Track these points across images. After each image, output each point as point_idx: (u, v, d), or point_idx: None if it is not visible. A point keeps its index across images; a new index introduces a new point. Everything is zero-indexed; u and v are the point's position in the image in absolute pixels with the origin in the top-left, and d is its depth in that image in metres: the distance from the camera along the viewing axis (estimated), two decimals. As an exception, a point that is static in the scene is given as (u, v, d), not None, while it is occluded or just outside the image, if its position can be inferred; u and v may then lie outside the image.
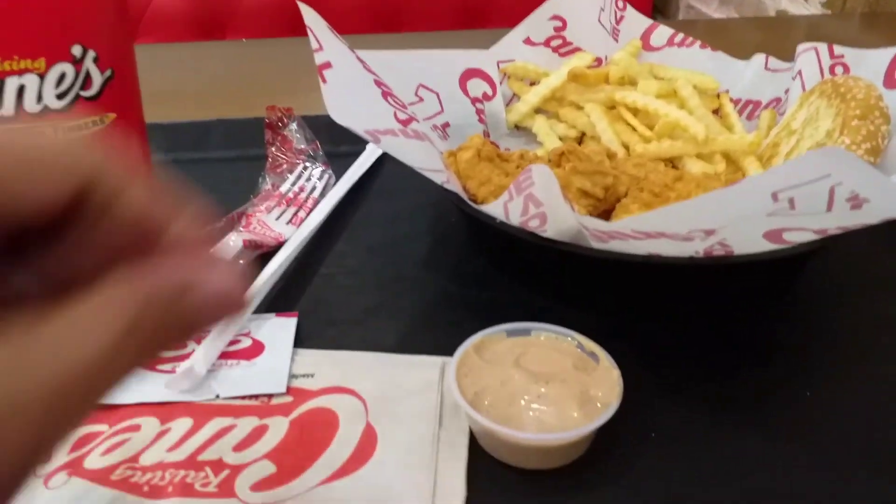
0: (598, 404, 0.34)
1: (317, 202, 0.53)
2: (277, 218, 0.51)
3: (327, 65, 0.42)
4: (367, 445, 0.34)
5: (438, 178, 0.43)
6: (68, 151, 0.16)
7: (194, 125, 0.63)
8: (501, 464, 0.34)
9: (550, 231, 0.39)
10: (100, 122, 0.43)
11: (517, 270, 0.45)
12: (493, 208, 0.38)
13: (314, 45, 0.42)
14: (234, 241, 0.46)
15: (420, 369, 0.38)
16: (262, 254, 0.47)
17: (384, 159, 0.61)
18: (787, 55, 0.57)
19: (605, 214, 0.44)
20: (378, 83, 0.44)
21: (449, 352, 0.39)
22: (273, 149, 0.57)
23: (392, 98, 0.44)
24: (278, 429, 0.35)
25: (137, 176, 0.17)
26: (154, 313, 0.16)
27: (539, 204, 0.37)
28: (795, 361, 0.40)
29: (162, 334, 0.16)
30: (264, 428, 0.35)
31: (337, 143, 0.60)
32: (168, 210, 0.18)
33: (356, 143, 0.61)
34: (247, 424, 0.35)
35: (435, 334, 0.42)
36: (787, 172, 0.30)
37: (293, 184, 0.54)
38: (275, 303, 0.44)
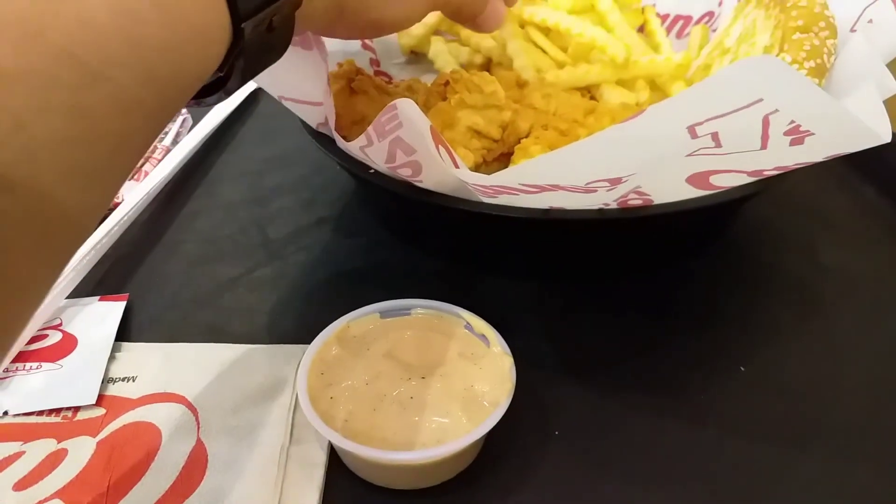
0: (486, 403, 0.27)
1: (167, 151, 0.44)
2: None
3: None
4: (194, 470, 0.26)
5: (314, 118, 0.35)
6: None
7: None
8: (368, 484, 0.27)
9: (427, 182, 0.31)
10: None
11: (405, 230, 0.38)
12: (352, 149, 0.30)
13: None
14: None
15: (273, 363, 0.31)
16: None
17: (259, 95, 0.51)
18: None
19: (504, 158, 0.36)
20: None
21: (315, 336, 0.32)
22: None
23: None
24: (80, 453, 0.27)
25: None
26: None
27: (410, 151, 0.29)
28: (728, 330, 0.34)
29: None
30: (62, 453, 0.27)
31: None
32: None
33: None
34: (39, 451, 0.27)
35: (301, 313, 0.34)
36: (704, 96, 0.22)
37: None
38: (102, 282, 0.36)
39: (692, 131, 0.24)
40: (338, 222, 0.40)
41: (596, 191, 0.27)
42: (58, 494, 0.25)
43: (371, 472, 0.27)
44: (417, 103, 0.37)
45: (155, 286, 0.36)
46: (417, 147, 0.29)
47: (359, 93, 0.36)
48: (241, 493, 0.26)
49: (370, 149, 0.29)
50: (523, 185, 0.27)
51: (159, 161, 0.43)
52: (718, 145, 0.25)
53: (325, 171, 0.44)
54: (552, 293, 0.35)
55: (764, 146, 0.25)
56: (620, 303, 0.35)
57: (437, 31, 0.48)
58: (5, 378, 0.30)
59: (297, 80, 0.33)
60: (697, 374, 0.31)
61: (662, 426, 0.29)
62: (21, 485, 0.26)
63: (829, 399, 0.30)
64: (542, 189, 0.28)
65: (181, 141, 0.44)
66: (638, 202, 0.31)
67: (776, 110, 0.23)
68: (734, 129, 0.23)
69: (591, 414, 0.30)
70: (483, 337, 0.29)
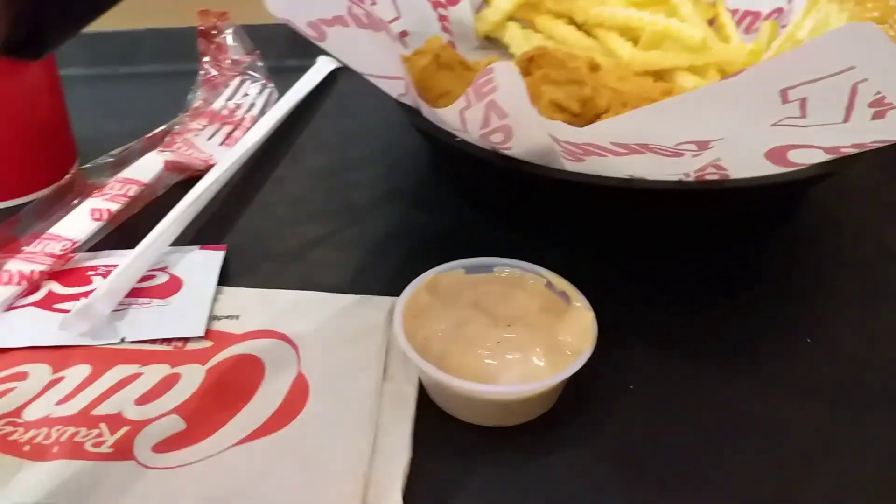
0: (568, 352, 0.29)
1: (255, 120, 0.47)
2: (209, 138, 0.45)
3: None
4: (296, 399, 0.29)
5: (394, 90, 0.37)
6: None
7: (121, 35, 0.55)
8: (454, 420, 0.29)
9: (516, 149, 0.33)
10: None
11: (481, 198, 0.40)
12: (447, 114, 0.32)
13: None
14: (153, 163, 0.40)
15: (364, 311, 0.33)
16: (189, 178, 0.41)
17: (338, 74, 0.54)
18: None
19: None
20: None
21: (400, 291, 0.34)
22: (206, 60, 0.49)
23: None
24: (192, 378, 0.29)
25: None
26: None
27: (503, 114, 0.31)
28: (793, 303, 0.35)
29: None
30: (175, 377, 0.29)
31: (282, 57, 0.53)
32: None
33: (304, 57, 0.54)
34: (154, 373, 0.30)
35: (385, 271, 0.37)
36: (801, 59, 0.24)
37: (228, 99, 0.47)
38: (200, 234, 0.38)
39: (784, 95, 0.25)
40: (414, 192, 0.43)
41: (683, 154, 0.29)
42: (174, 411, 0.28)
43: (459, 406, 0.28)
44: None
45: (249, 240, 0.38)
46: (510, 110, 0.31)
47: (445, 68, 0.39)
48: (339, 421, 0.28)
49: (468, 111, 0.31)
50: (614, 143, 0.29)
51: (248, 129, 0.45)
52: (803, 115, 0.26)
53: (401, 145, 0.46)
54: (625, 265, 0.37)
55: (847, 118, 0.27)
56: (691, 277, 0.36)
57: (511, 18, 0.50)
58: (120, 310, 0.32)
59: (376, 57, 0.36)
60: (765, 343, 0.33)
61: (734, 388, 0.31)
62: (141, 400, 0.28)
63: (894, 370, 0.31)
64: (630, 150, 0.29)
65: (267, 112, 0.47)
66: (714, 176, 0.32)
67: (865, 79, 0.24)
68: (823, 96, 0.25)
69: (664, 373, 0.31)
70: (563, 294, 0.31)
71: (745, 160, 0.31)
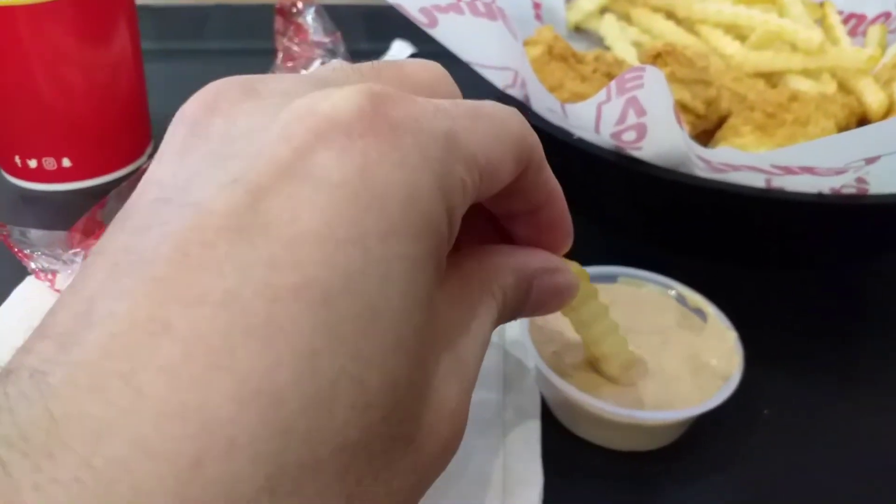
0: (714, 374, 0.26)
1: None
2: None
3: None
4: (415, 411, 0.27)
5: (501, 80, 0.35)
6: (520, 130, 0.16)
7: (191, 9, 0.53)
8: (581, 442, 0.27)
9: (647, 150, 0.31)
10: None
11: (594, 202, 0.37)
12: (583, 109, 0.30)
13: None
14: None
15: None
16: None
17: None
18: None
19: (706, 136, 0.35)
20: None
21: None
22: (285, 40, 0.47)
23: None
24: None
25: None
26: (513, 301, 0.17)
27: (641, 112, 0.29)
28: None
29: (507, 317, 0.17)
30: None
31: (360, 39, 0.51)
32: (553, 190, 0.18)
33: (381, 40, 0.52)
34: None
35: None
36: None
37: (310, 83, 0.45)
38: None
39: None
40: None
41: (846, 171, 0.27)
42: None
43: (592, 428, 0.27)
44: (607, 73, 0.37)
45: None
46: (650, 109, 0.29)
47: (558, 59, 0.36)
48: (465, 435, 0.26)
49: (607, 105, 0.29)
50: (775, 165, 0.27)
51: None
52: None
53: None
54: (749, 277, 0.35)
55: None
56: (821, 292, 0.34)
57: (605, 9, 0.48)
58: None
59: (486, 47, 0.34)
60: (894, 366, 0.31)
61: (875, 417, 0.29)
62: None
63: None
64: (788, 171, 0.27)
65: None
66: (852, 190, 0.30)
67: None
68: None
69: (799, 398, 0.29)
70: (699, 311, 0.29)
71: (890, 174, 0.29)
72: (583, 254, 0.34)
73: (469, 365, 0.15)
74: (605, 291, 0.29)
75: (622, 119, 0.29)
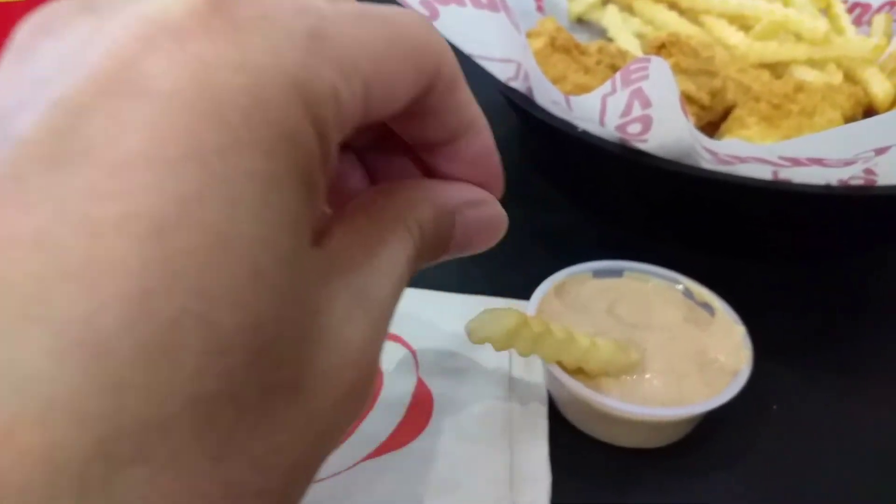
0: (722, 370, 0.26)
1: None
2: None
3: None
4: (420, 410, 0.26)
5: (503, 73, 0.34)
6: (422, 36, 0.14)
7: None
8: (589, 439, 0.27)
9: (652, 142, 0.30)
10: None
11: (599, 194, 0.37)
12: (588, 101, 0.30)
13: None
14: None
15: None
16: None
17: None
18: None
19: (711, 127, 0.35)
20: None
21: (508, 292, 0.32)
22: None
23: None
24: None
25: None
26: (432, 237, 0.15)
27: (647, 104, 0.29)
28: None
29: (428, 255, 0.16)
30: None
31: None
32: (474, 118, 0.16)
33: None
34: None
35: (491, 269, 0.34)
36: None
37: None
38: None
39: None
40: (510, 184, 0.40)
41: (855, 163, 0.27)
42: (293, 418, 0.26)
43: (600, 425, 0.26)
44: (611, 65, 0.36)
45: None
46: (655, 101, 0.28)
47: (560, 51, 0.36)
48: (470, 436, 0.26)
49: (612, 97, 0.29)
50: (784, 157, 0.27)
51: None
52: None
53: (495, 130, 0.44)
54: (755, 270, 0.34)
55: None
56: (826, 284, 0.34)
57: (607, 0, 0.47)
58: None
59: (488, 39, 0.33)
60: (912, 363, 0.30)
61: (875, 407, 0.28)
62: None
63: None
64: (795, 162, 0.27)
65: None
66: (860, 181, 0.30)
67: None
68: None
69: (808, 391, 0.29)
70: (706, 305, 0.28)
71: None
72: (588, 247, 0.34)
73: (378, 301, 0.13)
74: (611, 286, 0.29)
75: (627, 111, 0.29)
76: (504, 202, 0.42)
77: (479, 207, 0.16)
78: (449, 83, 0.14)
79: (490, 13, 0.33)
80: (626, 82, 0.28)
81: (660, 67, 0.27)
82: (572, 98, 0.30)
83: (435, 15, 0.34)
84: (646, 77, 0.27)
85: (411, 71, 0.13)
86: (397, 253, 0.14)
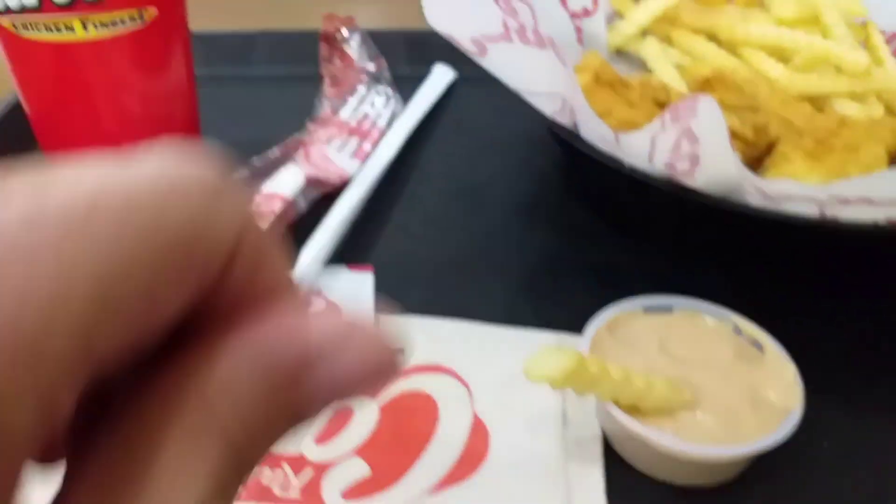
0: (775, 409, 0.27)
1: (382, 132, 0.45)
2: (339, 150, 0.43)
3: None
4: (477, 443, 0.27)
5: (549, 106, 0.35)
6: (196, 216, 0.09)
7: (237, 36, 0.54)
8: (643, 476, 0.27)
9: (699, 178, 0.31)
10: (138, 19, 0.35)
11: (639, 227, 0.38)
12: (637, 139, 0.31)
13: None
14: (294, 176, 0.39)
15: (533, 347, 0.31)
16: (326, 193, 0.40)
17: (456, 85, 0.52)
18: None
19: (755, 162, 0.36)
20: None
21: (555, 325, 0.33)
22: (331, 66, 0.48)
23: (506, 3, 0.35)
24: (367, 416, 0.28)
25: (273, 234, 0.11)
26: (262, 419, 0.10)
27: (694, 140, 0.29)
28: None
29: (266, 442, 0.10)
30: (348, 413, 0.28)
31: (402, 63, 0.52)
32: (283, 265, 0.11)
33: (421, 64, 0.52)
34: (327, 409, 0.28)
35: (539, 302, 0.35)
36: None
37: (355, 110, 0.46)
38: (344, 253, 0.37)
39: None
40: (554, 215, 0.41)
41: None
42: (357, 453, 0.27)
43: (654, 462, 0.27)
44: (654, 99, 0.37)
45: (391, 262, 0.37)
46: (703, 139, 0.29)
47: (605, 85, 0.37)
48: (528, 470, 0.26)
49: (661, 135, 0.29)
50: (834, 195, 0.27)
51: (376, 141, 0.44)
52: None
53: (533, 162, 0.45)
54: (802, 306, 0.35)
55: None
56: (872, 322, 0.34)
57: (646, 32, 0.48)
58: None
59: (534, 74, 0.34)
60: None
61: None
62: (321, 439, 0.27)
63: None
64: (844, 201, 0.28)
65: (394, 123, 0.46)
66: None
67: None
68: None
69: (859, 430, 0.29)
70: (756, 343, 0.29)
71: None
72: (635, 280, 0.35)
73: None
74: (661, 322, 0.30)
75: (676, 149, 0.30)
76: (549, 233, 0.43)
77: (344, 353, 0.10)
78: (251, 263, 0.10)
79: (537, 50, 0.34)
80: (675, 120, 0.29)
81: (708, 107, 0.28)
82: (622, 136, 0.31)
83: (483, 52, 0.35)
84: (694, 116, 0.28)
85: (176, 275, 0.09)
86: (188, 486, 0.09)
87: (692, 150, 0.30)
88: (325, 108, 0.46)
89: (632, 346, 0.29)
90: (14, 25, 0.34)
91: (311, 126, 0.44)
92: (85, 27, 0.34)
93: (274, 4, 0.64)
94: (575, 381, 0.24)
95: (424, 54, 0.52)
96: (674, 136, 0.29)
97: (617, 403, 0.26)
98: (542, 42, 0.33)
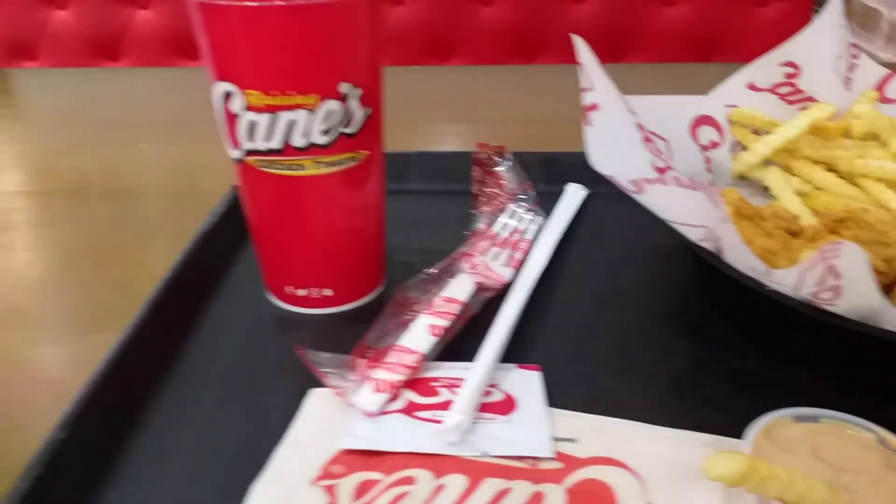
0: (926, 515, 0.30)
1: (530, 243, 0.52)
2: (495, 259, 0.50)
3: (594, 107, 0.41)
4: (655, 531, 0.32)
5: (695, 235, 0.41)
6: None
7: (396, 156, 0.63)
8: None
9: (841, 306, 0.36)
10: (355, 159, 0.43)
11: (777, 342, 0.42)
12: (788, 275, 0.36)
13: (584, 83, 0.41)
14: (466, 283, 0.46)
15: (693, 447, 0.36)
16: (489, 298, 0.46)
17: (588, 202, 0.59)
18: None
19: (886, 288, 0.40)
20: (640, 126, 0.42)
21: (705, 428, 0.37)
22: (484, 187, 0.56)
23: (653, 144, 0.42)
24: (554, 499, 0.33)
25: None
26: None
27: (838, 276, 0.34)
28: None
29: None
30: (539, 496, 0.33)
31: (539, 181, 0.59)
32: None
33: (557, 183, 0.60)
34: (522, 490, 0.33)
35: (689, 407, 0.40)
36: None
37: (506, 224, 0.53)
38: (510, 353, 0.43)
39: None
40: (696, 325, 0.46)
41: None
42: (551, 529, 0.32)
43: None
44: (786, 229, 0.42)
45: (552, 362, 0.42)
46: (846, 274, 0.34)
47: (745, 218, 0.42)
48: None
49: (810, 271, 0.35)
50: None
51: (526, 252, 0.51)
52: None
53: (670, 274, 0.50)
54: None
55: None
56: None
57: (767, 161, 0.54)
58: (475, 423, 0.37)
59: (686, 209, 0.40)
60: None
61: None
62: (519, 518, 0.32)
63: None
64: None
65: (540, 236, 0.52)
66: None
67: None
68: None
69: None
70: (901, 452, 0.33)
71: None
72: (777, 391, 0.39)
73: None
74: (811, 430, 0.34)
75: (822, 281, 0.35)
76: (693, 342, 0.48)
77: None
78: None
79: (690, 192, 0.40)
80: (823, 259, 0.34)
81: (853, 252, 0.33)
82: (777, 271, 0.36)
83: (641, 191, 0.41)
84: (839, 256, 0.33)
85: None
86: None
87: (836, 283, 0.35)
88: (480, 223, 0.53)
89: (787, 452, 0.33)
90: (257, 163, 0.43)
91: (471, 238, 0.51)
92: (314, 166, 0.42)
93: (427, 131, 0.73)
94: (747, 480, 0.29)
95: (560, 174, 0.60)
96: (820, 271, 0.34)
97: (783, 502, 0.30)
98: (694, 185, 0.39)
